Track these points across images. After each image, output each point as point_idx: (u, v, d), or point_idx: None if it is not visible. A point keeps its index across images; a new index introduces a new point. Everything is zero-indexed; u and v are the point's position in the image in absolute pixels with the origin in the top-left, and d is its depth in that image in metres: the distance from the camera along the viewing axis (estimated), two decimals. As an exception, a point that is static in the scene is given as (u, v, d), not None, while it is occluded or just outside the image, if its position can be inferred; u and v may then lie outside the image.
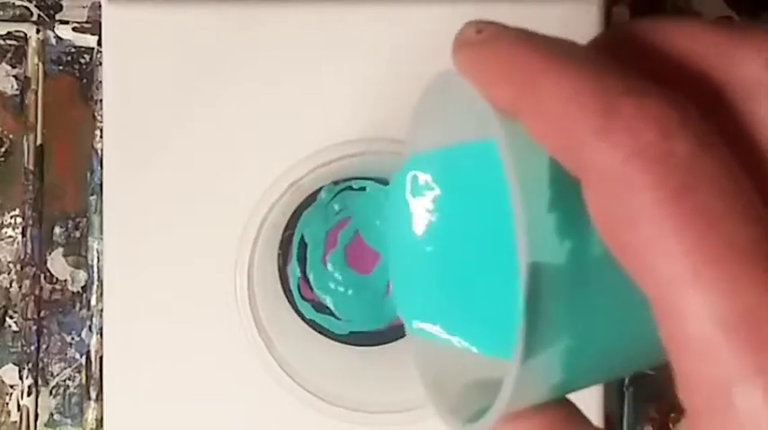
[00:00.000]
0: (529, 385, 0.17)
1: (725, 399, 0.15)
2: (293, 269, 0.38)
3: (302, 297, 0.38)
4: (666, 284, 0.15)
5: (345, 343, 0.38)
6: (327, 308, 0.38)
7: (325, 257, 0.38)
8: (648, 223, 0.15)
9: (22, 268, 0.41)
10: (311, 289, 0.38)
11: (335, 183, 0.37)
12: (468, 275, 0.21)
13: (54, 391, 0.41)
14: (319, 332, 0.38)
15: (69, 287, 0.41)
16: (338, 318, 0.38)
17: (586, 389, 0.19)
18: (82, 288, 0.41)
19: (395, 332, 0.38)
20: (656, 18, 0.19)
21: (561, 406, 0.19)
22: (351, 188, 0.38)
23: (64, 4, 0.41)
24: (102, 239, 0.40)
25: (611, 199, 0.16)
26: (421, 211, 0.22)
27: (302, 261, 0.38)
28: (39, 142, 0.41)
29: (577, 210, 0.17)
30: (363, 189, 0.38)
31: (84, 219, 0.41)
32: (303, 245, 0.38)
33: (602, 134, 0.16)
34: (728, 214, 0.15)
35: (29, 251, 0.41)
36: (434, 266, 0.22)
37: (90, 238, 0.41)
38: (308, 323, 0.38)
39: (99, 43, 0.41)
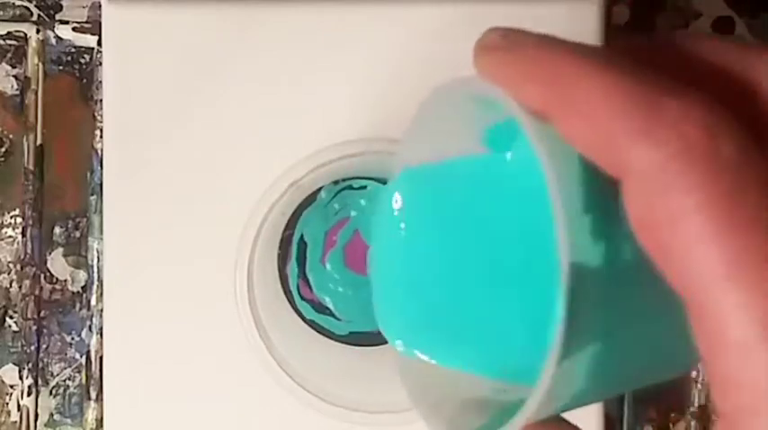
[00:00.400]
0: (553, 391, 0.17)
1: None
2: (292, 269, 0.38)
3: (302, 297, 0.38)
4: (705, 287, 0.15)
5: (345, 343, 0.38)
6: (327, 308, 0.38)
7: (324, 257, 0.38)
8: (690, 225, 0.15)
9: (22, 268, 0.41)
10: (311, 289, 0.38)
11: (335, 182, 0.37)
12: (464, 301, 0.21)
13: (54, 391, 0.41)
14: (319, 332, 0.38)
15: (69, 287, 0.41)
16: (338, 319, 0.38)
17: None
18: (82, 288, 0.41)
19: (395, 332, 0.38)
20: (672, 32, 0.18)
21: (560, 424, 0.19)
22: (351, 187, 0.38)
23: (64, 4, 0.41)
24: (102, 239, 0.40)
25: (651, 199, 0.16)
26: (411, 228, 0.22)
27: (301, 261, 0.38)
28: (39, 142, 0.41)
29: (609, 213, 0.17)
30: (364, 188, 0.38)
31: (84, 219, 0.41)
32: (303, 244, 0.38)
33: (645, 133, 0.16)
34: None
35: (29, 251, 0.41)
36: (426, 290, 0.22)
37: (90, 238, 0.41)
38: (307, 323, 0.38)
39: (99, 43, 0.41)
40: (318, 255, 0.38)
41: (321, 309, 0.38)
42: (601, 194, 0.17)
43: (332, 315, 0.38)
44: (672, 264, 0.16)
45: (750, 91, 0.17)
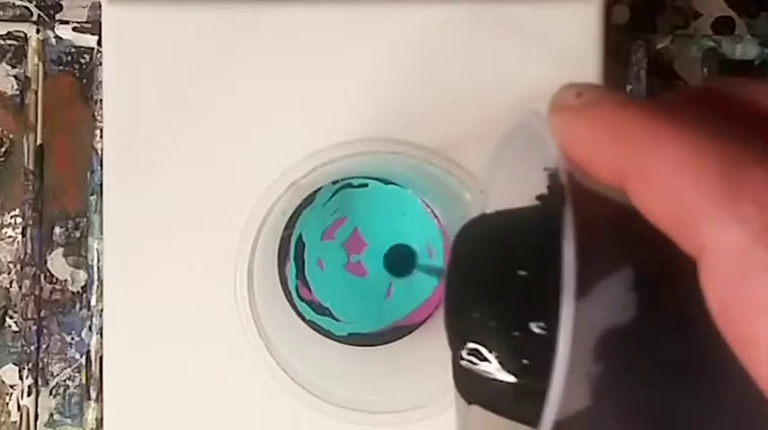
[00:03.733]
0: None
1: None
2: (290, 270, 0.38)
3: (300, 298, 0.38)
4: None
5: (345, 343, 0.38)
6: (327, 309, 0.38)
7: (322, 257, 0.38)
8: None
9: (22, 268, 0.41)
10: (309, 290, 0.38)
11: (335, 182, 0.37)
12: None
13: (54, 391, 0.41)
14: (319, 332, 0.38)
15: (69, 287, 0.41)
16: (337, 320, 0.38)
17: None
18: (82, 288, 0.41)
19: (395, 333, 0.38)
20: (734, 78, 0.17)
21: None
22: (351, 185, 0.38)
23: (64, 4, 0.41)
24: (102, 239, 0.40)
25: (734, 283, 0.14)
26: None
27: (299, 261, 0.38)
28: (39, 142, 0.41)
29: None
30: (365, 186, 0.38)
31: (85, 219, 0.41)
32: (301, 244, 0.38)
33: (727, 208, 0.14)
34: None
35: (29, 251, 0.41)
36: None
37: (90, 238, 0.41)
38: (307, 323, 0.38)
39: (99, 43, 0.41)
40: (316, 256, 0.38)
41: (320, 309, 0.38)
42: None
43: (331, 315, 0.38)
44: (755, 359, 0.14)
45: None
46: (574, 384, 0.15)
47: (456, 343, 0.21)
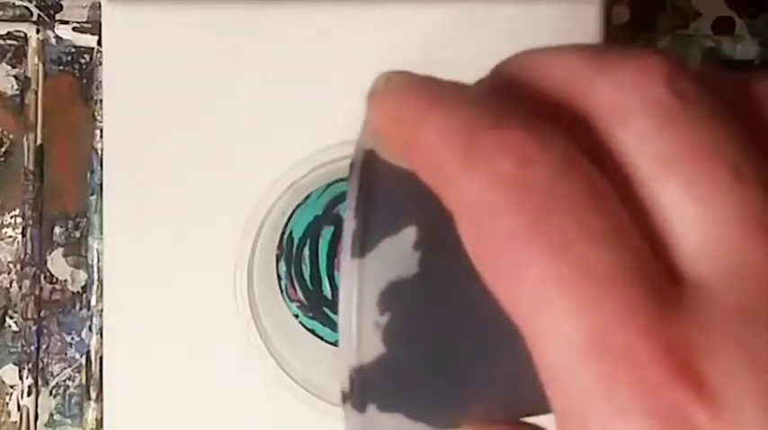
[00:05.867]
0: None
1: None
2: (281, 268, 0.38)
3: (290, 298, 0.37)
4: (527, 313, 0.16)
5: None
6: (311, 311, 0.38)
7: (302, 255, 0.38)
8: (506, 252, 0.16)
9: (22, 268, 0.41)
10: (295, 290, 0.38)
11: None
12: None
13: (54, 391, 0.41)
14: (313, 334, 0.38)
15: (69, 287, 0.41)
16: (323, 324, 0.37)
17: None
18: (82, 288, 0.41)
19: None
20: (531, 50, 0.19)
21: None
22: (344, 179, 0.38)
23: (64, 4, 0.41)
24: (102, 239, 0.40)
25: (477, 231, 0.16)
26: None
27: (289, 259, 0.38)
28: (39, 142, 0.41)
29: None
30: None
31: (85, 219, 0.41)
32: (291, 242, 0.38)
33: (466, 168, 0.16)
34: (582, 238, 0.15)
35: (29, 251, 0.41)
36: None
37: (90, 238, 0.41)
38: (300, 324, 0.38)
39: (99, 43, 0.41)
40: (300, 254, 0.38)
41: (306, 311, 0.38)
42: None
43: (317, 319, 0.38)
44: (500, 293, 0.16)
45: (582, 111, 0.17)
46: (364, 333, 0.18)
47: None
